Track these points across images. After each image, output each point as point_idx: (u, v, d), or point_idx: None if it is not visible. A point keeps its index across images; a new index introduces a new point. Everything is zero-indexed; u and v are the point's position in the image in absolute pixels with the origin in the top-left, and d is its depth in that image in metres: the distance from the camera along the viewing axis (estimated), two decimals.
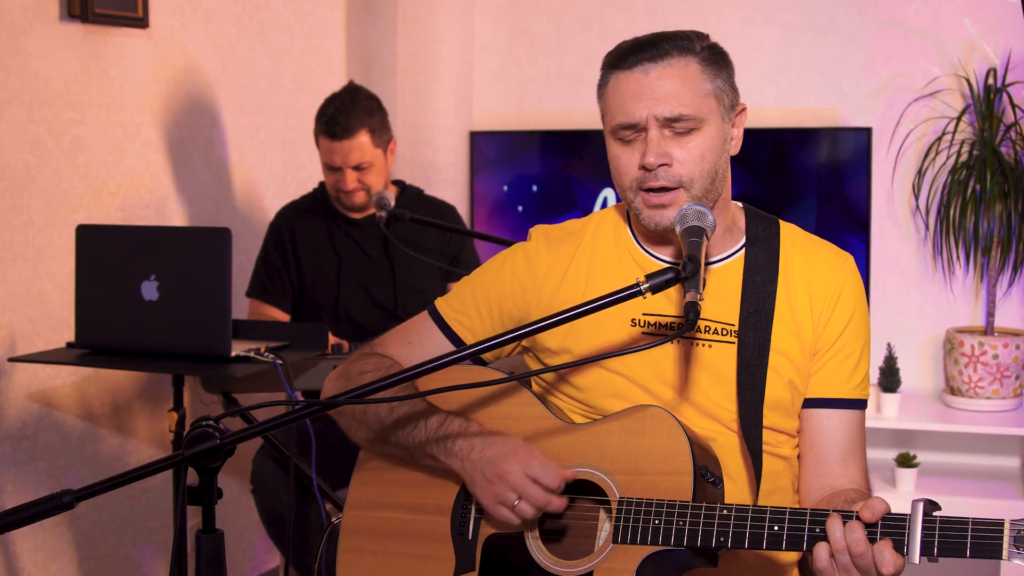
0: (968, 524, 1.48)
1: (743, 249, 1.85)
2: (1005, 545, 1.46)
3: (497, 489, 1.70)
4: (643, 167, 1.73)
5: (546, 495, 1.68)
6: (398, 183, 3.35)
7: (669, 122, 1.73)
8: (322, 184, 3.31)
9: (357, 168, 3.13)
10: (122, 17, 3.08)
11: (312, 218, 3.25)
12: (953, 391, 3.78)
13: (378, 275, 3.23)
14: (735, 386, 1.77)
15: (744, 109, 1.83)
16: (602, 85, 1.81)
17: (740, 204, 1.91)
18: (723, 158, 1.78)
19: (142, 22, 3.16)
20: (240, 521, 3.68)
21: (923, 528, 1.49)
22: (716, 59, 1.79)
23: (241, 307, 3.60)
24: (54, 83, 2.93)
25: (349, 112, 3.10)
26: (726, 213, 1.84)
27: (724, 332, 1.79)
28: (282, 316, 3.24)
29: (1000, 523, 1.47)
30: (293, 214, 3.27)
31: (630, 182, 1.77)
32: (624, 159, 1.77)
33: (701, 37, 1.79)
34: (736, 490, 1.77)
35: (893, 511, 1.54)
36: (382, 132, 3.17)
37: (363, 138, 3.11)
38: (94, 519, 3.14)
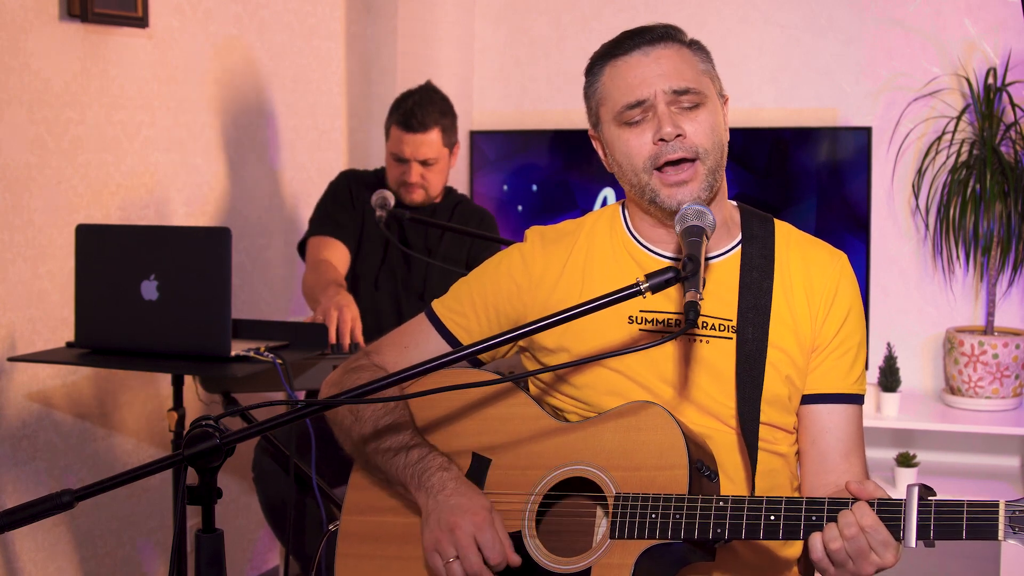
0: (963, 506, 1.49)
1: (739, 246, 1.86)
2: (1000, 526, 1.47)
3: (441, 537, 1.70)
4: (660, 139, 1.75)
5: (481, 567, 1.68)
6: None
7: (677, 95, 1.75)
8: (383, 168, 3.38)
9: (424, 163, 3.20)
10: (122, 17, 3.08)
11: (372, 192, 3.29)
12: (953, 391, 3.78)
13: (414, 269, 3.27)
14: (734, 382, 1.78)
15: (728, 99, 1.87)
16: (593, 80, 1.84)
17: (735, 203, 1.92)
18: (725, 137, 1.82)
19: (142, 22, 3.16)
20: (240, 521, 3.68)
21: (919, 512, 1.51)
22: (701, 48, 1.85)
23: (241, 307, 3.60)
24: (54, 83, 2.93)
25: (426, 108, 3.19)
26: (723, 206, 1.86)
27: (722, 328, 1.80)
28: (343, 256, 3.23)
29: (995, 504, 1.48)
30: (358, 179, 3.34)
31: (643, 162, 1.77)
32: (634, 140, 1.78)
33: (683, 31, 1.85)
34: (733, 488, 1.78)
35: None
36: (451, 133, 3.26)
37: (435, 134, 3.20)
38: (94, 519, 3.14)
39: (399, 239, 3.26)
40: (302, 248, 3.30)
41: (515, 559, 1.70)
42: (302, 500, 2.93)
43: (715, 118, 1.78)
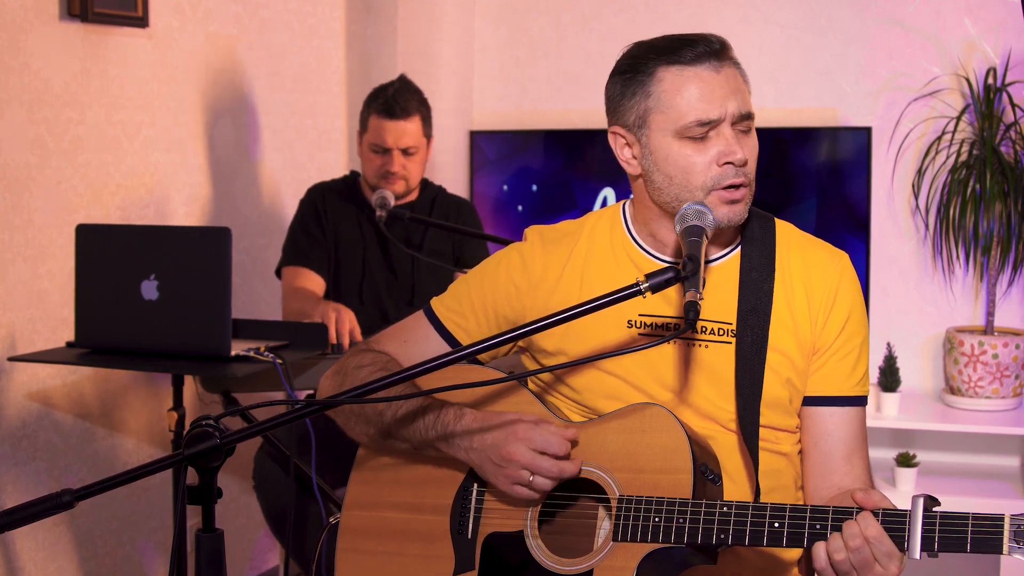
0: (968, 519, 1.49)
1: (739, 247, 1.85)
2: (1005, 540, 1.46)
3: (509, 472, 1.70)
4: (730, 163, 1.73)
5: (558, 464, 1.69)
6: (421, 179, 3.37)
7: (741, 119, 1.75)
8: (353, 173, 3.36)
9: (405, 152, 3.19)
10: (122, 17, 3.08)
11: (343, 201, 3.28)
12: (953, 391, 3.78)
13: (398, 269, 3.25)
14: (733, 386, 1.77)
15: None
16: (645, 79, 1.75)
17: None
18: None
19: (142, 22, 3.16)
20: (240, 521, 3.68)
21: (923, 524, 1.50)
22: (741, 67, 1.82)
23: (241, 307, 3.60)
24: (54, 83, 2.93)
25: (406, 95, 3.20)
26: None
27: (721, 332, 1.79)
28: (319, 284, 3.22)
29: (1000, 518, 1.47)
30: (326, 191, 3.31)
31: (703, 181, 1.74)
32: (697, 157, 1.73)
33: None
34: (736, 489, 1.77)
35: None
36: (429, 124, 3.26)
37: (416, 122, 3.20)
38: (94, 519, 3.14)
39: (385, 245, 3.24)
40: (279, 272, 3.31)
41: (573, 434, 1.71)
42: (304, 505, 2.93)
43: (757, 142, 1.79)
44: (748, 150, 1.76)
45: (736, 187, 1.75)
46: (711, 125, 1.72)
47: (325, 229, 3.25)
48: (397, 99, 3.18)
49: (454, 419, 1.77)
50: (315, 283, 3.22)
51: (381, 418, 1.83)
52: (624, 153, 1.82)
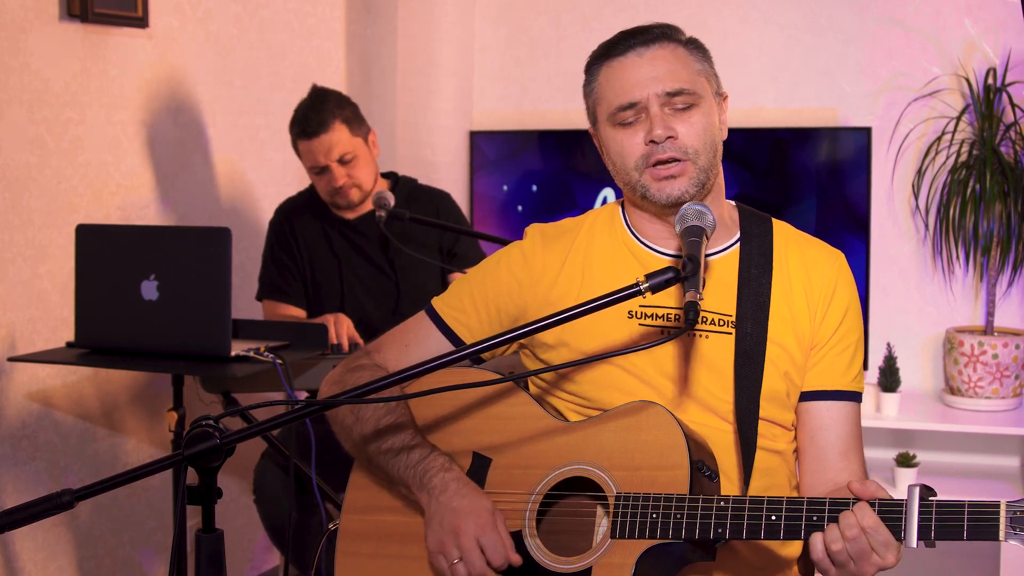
0: (964, 507, 1.50)
1: (738, 243, 1.87)
2: (1002, 526, 1.47)
3: (445, 539, 1.71)
4: (651, 141, 1.76)
5: (485, 568, 1.70)
6: (390, 175, 3.32)
7: (670, 97, 1.77)
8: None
9: (342, 162, 3.09)
10: (122, 17, 3.09)
11: (310, 217, 3.23)
12: (953, 391, 3.78)
13: (379, 275, 3.22)
14: (732, 377, 1.78)
15: (727, 97, 1.88)
16: (591, 80, 1.86)
17: (733, 202, 1.93)
18: (719, 138, 1.83)
19: (142, 22, 3.16)
20: (240, 521, 3.68)
21: (920, 512, 1.51)
22: (698, 47, 1.86)
23: (241, 307, 3.60)
24: (54, 83, 2.94)
25: (318, 107, 3.09)
26: (720, 203, 1.87)
27: (722, 323, 1.81)
28: (299, 313, 3.21)
29: (996, 504, 1.48)
30: (292, 211, 3.25)
31: (635, 161, 1.79)
32: (627, 140, 1.79)
33: (681, 30, 1.86)
34: (733, 488, 1.78)
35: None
36: (357, 122, 3.14)
37: (339, 129, 3.08)
38: (94, 519, 3.14)
39: (361, 253, 3.22)
40: (260, 298, 3.30)
41: (516, 559, 1.71)
42: (304, 513, 2.93)
43: (708, 119, 1.79)
44: (685, 125, 1.77)
45: (668, 162, 1.77)
46: (634, 108, 1.78)
47: (297, 256, 3.21)
48: (309, 116, 3.07)
49: (441, 465, 1.77)
50: (296, 312, 3.22)
51: (365, 443, 1.83)
52: (601, 150, 1.89)
